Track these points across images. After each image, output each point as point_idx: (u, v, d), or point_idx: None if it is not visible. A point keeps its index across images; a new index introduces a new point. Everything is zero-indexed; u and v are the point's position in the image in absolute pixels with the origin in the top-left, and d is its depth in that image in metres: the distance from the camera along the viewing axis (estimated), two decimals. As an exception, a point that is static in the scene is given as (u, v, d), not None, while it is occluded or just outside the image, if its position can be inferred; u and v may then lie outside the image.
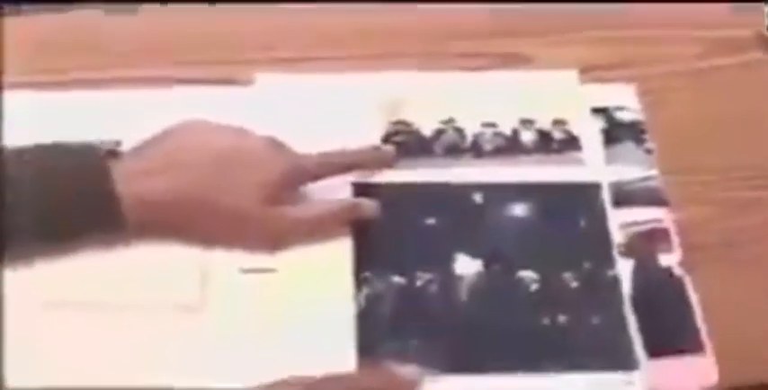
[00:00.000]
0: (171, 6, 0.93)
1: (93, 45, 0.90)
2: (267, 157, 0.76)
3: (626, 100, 0.87)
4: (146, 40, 0.91)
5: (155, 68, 0.88)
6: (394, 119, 0.86)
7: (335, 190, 0.81)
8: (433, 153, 0.85)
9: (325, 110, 0.86)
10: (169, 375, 0.72)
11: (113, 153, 0.76)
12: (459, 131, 0.86)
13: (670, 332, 0.75)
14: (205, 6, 0.93)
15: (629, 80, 0.88)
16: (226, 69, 0.88)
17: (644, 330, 0.75)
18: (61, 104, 0.85)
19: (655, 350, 0.74)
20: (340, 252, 0.78)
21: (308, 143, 0.81)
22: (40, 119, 0.84)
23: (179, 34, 0.91)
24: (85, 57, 0.89)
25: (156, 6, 0.93)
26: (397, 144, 0.85)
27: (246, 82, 0.87)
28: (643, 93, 0.87)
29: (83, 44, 0.90)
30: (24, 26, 0.90)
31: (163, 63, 0.89)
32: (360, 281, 0.77)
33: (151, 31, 0.92)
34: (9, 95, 0.83)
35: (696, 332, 0.75)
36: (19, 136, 0.77)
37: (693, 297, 0.76)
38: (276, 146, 0.78)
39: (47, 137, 0.75)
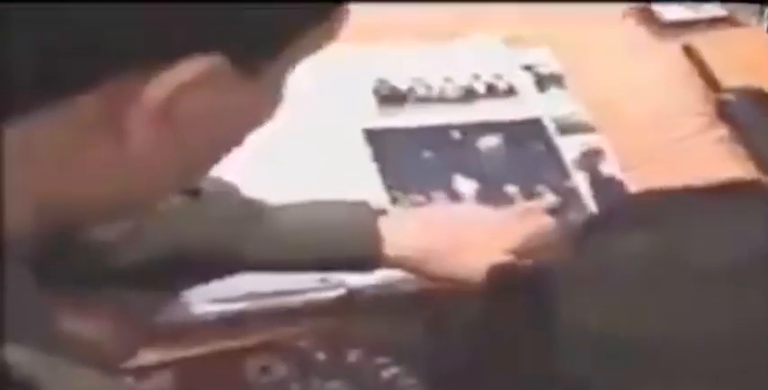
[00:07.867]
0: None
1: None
2: None
3: (544, 58, 1.12)
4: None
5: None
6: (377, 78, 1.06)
7: None
8: (409, 103, 1.06)
9: (325, 75, 1.04)
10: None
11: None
12: (428, 86, 1.07)
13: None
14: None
15: (545, 45, 1.13)
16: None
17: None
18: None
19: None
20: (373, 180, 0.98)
21: (312, 98, 1.00)
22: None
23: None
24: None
25: None
26: (383, 97, 1.05)
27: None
28: (560, 54, 1.12)
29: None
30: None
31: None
32: (392, 199, 0.97)
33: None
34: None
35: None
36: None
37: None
38: None
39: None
